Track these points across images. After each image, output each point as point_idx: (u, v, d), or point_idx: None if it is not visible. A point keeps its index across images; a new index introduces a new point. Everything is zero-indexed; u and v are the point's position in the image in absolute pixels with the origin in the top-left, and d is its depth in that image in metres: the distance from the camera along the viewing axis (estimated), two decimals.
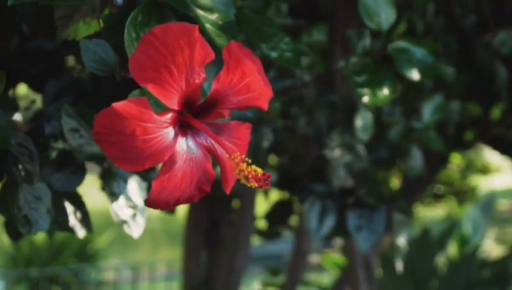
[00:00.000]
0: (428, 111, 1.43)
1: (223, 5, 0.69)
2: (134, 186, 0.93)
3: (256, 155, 1.15)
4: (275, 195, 1.84)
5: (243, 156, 0.56)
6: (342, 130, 1.30)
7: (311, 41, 1.22)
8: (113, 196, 0.91)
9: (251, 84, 0.59)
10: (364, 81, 0.95)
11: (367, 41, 1.01)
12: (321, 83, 1.35)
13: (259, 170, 0.56)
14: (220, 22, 0.68)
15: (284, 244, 4.05)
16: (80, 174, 0.93)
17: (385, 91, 0.95)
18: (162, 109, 0.57)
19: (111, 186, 0.91)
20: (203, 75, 0.57)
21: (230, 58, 0.58)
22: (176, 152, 0.58)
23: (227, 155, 0.59)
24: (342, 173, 1.33)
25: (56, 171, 0.91)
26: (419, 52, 0.99)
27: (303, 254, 2.23)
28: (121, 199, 0.91)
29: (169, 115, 0.57)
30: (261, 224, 2.03)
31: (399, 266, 1.81)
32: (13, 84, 1.01)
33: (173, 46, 0.54)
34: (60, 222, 0.92)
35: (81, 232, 0.94)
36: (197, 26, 0.55)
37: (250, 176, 0.55)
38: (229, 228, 2.17)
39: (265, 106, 0.61)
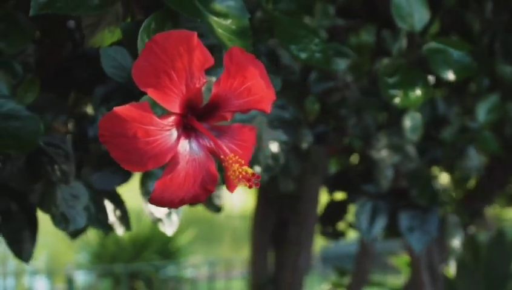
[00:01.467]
0: (482, 111, 1.40)
1: (237, 10, 0.72)
2: None
3: (294, 155, 1.17)
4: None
5: (237, 157, 0.58)
6: (389, 131, 1.29)
7: (359, 42, 1.22)
8: (149, 195, 0.94)
9: (252, 88, 0.61)
10: (396, 82, 0.95)
11: (403, 42, 1.00)
12: (369, 84, 1.35)
13: (250, 170, 0.58)
14: (234, 27, 0.71)
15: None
16: (120, 174, 0.97)
17: (418, 92, 0.94)
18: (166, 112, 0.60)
19: (147, 185, 0.95)
20: (203, 80, 0.59)
21: (231, 63, 0.60)
22: (178, 153, 0.60)
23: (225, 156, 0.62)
24: (390, 173, 1.33)
25: (96, 171, 0.96)
26: (455, 52, 0.98)
27: (368, 254, 2.22)
28: None
29: (172, 118, 0.60)
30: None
31: (452, 268, 1.77)
32: (67, 89, 1.07)
33: (172, 53, 0.57)
34: (100, 219, 0.97)
35: (120, 230, 0.98)
36: (195, 33, 0.58)
37: (240, 176, 0.57)
38: (295, 228, 2.18)
39: (267, 109, 0.63)
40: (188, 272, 5.17)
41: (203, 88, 0.60)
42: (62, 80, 1.06)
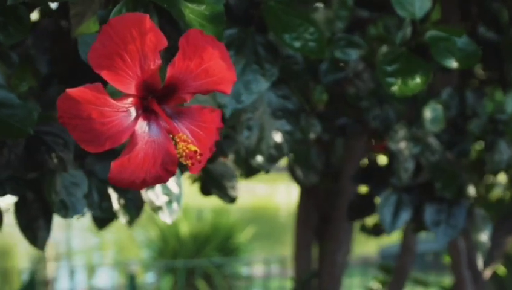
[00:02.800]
0: (511, 102, 1.36)
1: None
2: None
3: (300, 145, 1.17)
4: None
5: (184, 136, 0.59)
6: (409, 122, 1.28)
7: (379, 33, 1.21)
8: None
9: (210, 69, 0.62)
10: (395, 70, 0.94)
11: (407, 31, 0.99)
12: None
13: (193, 148, 0.59)
14: (207, 13, 0.71)
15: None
16: None
17: (417, 80, 0.93)
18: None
19: None
20: (158, 61, 0.60)
21: (188, 45, 0.61)
22: (137, 134, 0.62)
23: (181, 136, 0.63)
24: (410, 166, 1.30)
25: (100, 160, 0.98)
26: (460, 40, 0.96)
27: (410, 250, 2.18)
28: (158, 187, 0.97)
29: (129, 100, 0.61)
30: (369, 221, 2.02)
31: (480, 263, 1.72)
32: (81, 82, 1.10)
33: (125, 35, 0.59)
34: (103, 207, 0.99)
35: (124, 218, 1.01)
36: (147, 16, 0.59)
37: (184, 154, 0.58)
38: (334, 223, 2.17)
39: (227, 90, 0.64)
40: (246, 270, 5.20)
41: (159, 70, 0.61)
42: (77, 73, 1.09)
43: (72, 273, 5.24)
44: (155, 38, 0.60)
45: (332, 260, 2.12)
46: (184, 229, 5.40)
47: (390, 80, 0.93)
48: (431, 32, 0.96)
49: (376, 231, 2.03)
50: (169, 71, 0.62)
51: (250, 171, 1.38)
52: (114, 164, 0.61)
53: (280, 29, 0.90)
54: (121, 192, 1.01)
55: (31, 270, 5.53)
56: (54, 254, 6.87)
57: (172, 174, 0.65)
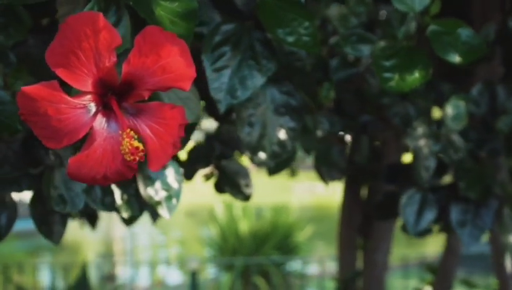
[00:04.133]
0: None
1: None
2: (171, 171, 0.99)
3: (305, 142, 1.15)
4: None
5: (131, 133, 0.60)
6: (428, 119, 1.24)
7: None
8: (149, 180, 0.98)
9: (167, 66, 0.62)
10: (393, 65, 0.92)
11: (411, 25, 0.97)
12: None
13: (136, 144, 0.59)
14: (180, 10, 0.72)
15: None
16: None
17: (416, 75, 0.90)
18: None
19: (147, 170, 0.98)
20: (113, 59, 0.61)
21: (145, 42, 0.62)
22: (95, 131, 0.63)
23: (151, 134, 0.64)
24: (431, 164, 1.27)
25: None
26: (464, 32, 0.93)
27: (454, 252, 2.13)
28: (158, 183, 0.98)
29: (87, 97, 0.62)
30: None
31: (508, 265, 1.66)
32: None
33: (79, 33, 0.60)
34: (106, 202, 1.01)
35: (126, 213, 1.02)
36: (101, 14, 0.60)
37: (127, 149, 0.59)
38: (376, 223, 2.14)
39: (185, 87, 0.64)
40: (303, 269, 5.19)
41: (116, 67, 0.62)
42: None
43: (137, 268, 5.35)
44: (109, 36, 0.60)
45: (372, 259, 2.09)
46: (244, 227, 5.43)
47: (387, 75, 0.91)
48: (432, 27, 0.93)
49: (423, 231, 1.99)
50: (124, 68, 0.62)
51: (275, 168, 1.38)
52: (71, 160, 0.62)
53: (273, 24, 0.90)
54: (124, 188, 1.02)
55: (96, 264, 5.70)
56: (121, 249, 7.05)
57: (134, 170, 0.65)
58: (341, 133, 1.36)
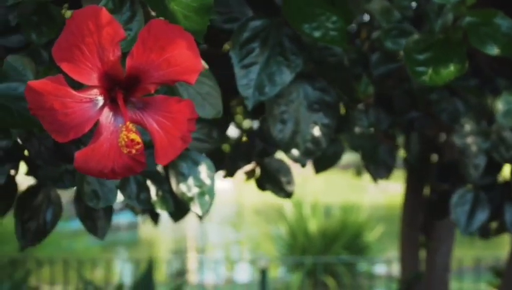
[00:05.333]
0: None
1: None
2: (204, 167, 0.99)
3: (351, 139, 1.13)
4: None
5: (131, 126, 0.60)
6: (478, 116, 1.19)
7: None
8: (182, 176, 0.98)
9: (172, 59, 0.62)
10: (427, 59, 0.89)
11: (448, 18, 0.93)
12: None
13: (132, 137, 0.59)
14: (195, 4, 0.71)
15: None
16: None
17: (451, 68, 0.87)
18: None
19: (180, 166, 0.99)
20: (118, 53, 0.61)
21: (149, 35, 0.62)
22: (102, 125, 0.63)
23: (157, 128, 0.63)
24: (481, 162, 1.22)
25: None
26: (505, 23, 0.89)
27: None
28: (191, 180, 0.98)
29: (93, 91, 0.63)
30: None
31: None
32: None
33: (82, 28, 0.60)
34: (141, 199, 1.02)
35: (159, 209, 1.02)
36: (103, 8, 0.60)
37: (123, 142, 0.59)
38: (437, 224, 2.09)
39: (191, 80, 0.63)
40: (373, 269, 5.12)
41: (120, 61, 0.62)
42: None
43: (208, 265, 5.41)
44: (112, 30, 0.61)
45: (433, 260, 2.04)
46: (313, 226, 5.40)
47: (420, 69, 0.88)
48: (469, 18, 0.89)
49: (483, 232, 1.92)
50: (128, 62, 0.62)
51: (320, 167, 1.36)
52: (77, 154, 0.63)
53: (300, 19, 0.88)
54: (159, 184, 1.03)
55: (170, 260, 5.80)
56: (194, 246, 7.15)
57: (143, 164, 0.65)
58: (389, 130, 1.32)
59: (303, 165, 1.02)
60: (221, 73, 0.90)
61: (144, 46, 0.62)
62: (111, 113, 0.64)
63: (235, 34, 0.93)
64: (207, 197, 0.98)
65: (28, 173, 1.11)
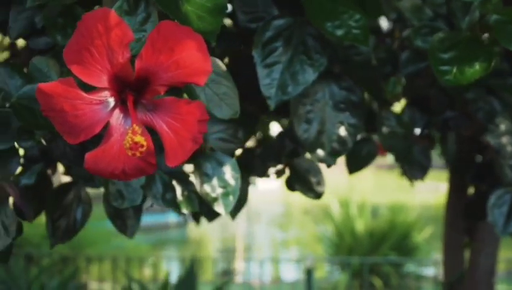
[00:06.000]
0: None
1: None
2: (229, 168, 0.99)
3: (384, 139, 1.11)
4: None
5: (137, 128, 0.60)
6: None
7: None
8: (206, 176, 0.98)
9: (181, 61, 0.62)
10: (451, 57, 0.86)
11: (475, 15, 0.91)
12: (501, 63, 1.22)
13: (137, 139, 0.59)
14: (209, 5, 0.71)
15: None
16: None
17: (476, 68, 0.85)
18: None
19: (204, 167, 0.99)
20: (127, 55, 0.62)
21: (158, 37, 0.62)
22: (112, 126, 0.64)
23: (167, 129, 0.64)
24: None
25: (161, 153, 1.01)
26: None
27: None
28: (215, 180, 0.98)
29: (104, 93, 0.63)
30: None
31: None
32: None
33: (91, 30, 0.61)
34: (167, 199, 1.02)
35: (185, 209, 1.03)
36: (112, 11, 0.61)
37: (128, 144, 0.59)
38: (480, 224, 2.05)
39: (200, 82, 0.63)
40: (421, 270, 5.04)
41: (129, 63, 0.62)
42: None
43: (255, 264, 5.43)
44: (121, 32, 0.61)
45: (476, 262, 2.00)
46: (360, 226, 5.35)
47: (444, 68, 0.86)
48: (496, 16, 0.86)
49: None
50: (137, 64, 0.62)
51: (353, 167, 1.35)
52: (88, 155, 0.64)
53: (322, 17, 0.87)
54: (184, 184, 1.03)
55: (220, 259, 5.83)
56: (242, 246, 7.18)
57: (154, 166, 0.65)
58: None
59: (329, 166, 1.01)
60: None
61: (153, 48, 0.62)
62: (121, 115, 0.64)
63: (258, 33, 0.93)
64: (231, 198, 0.97)
65: (65, 173, 1.13)
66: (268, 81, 0.92)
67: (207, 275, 5.56)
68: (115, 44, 0.61)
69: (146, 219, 6.68)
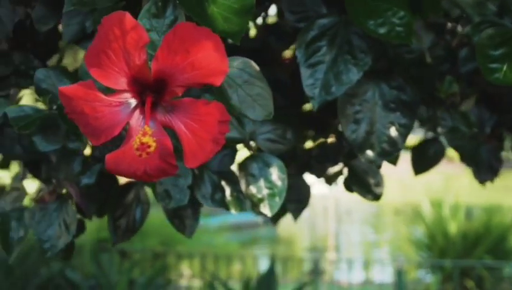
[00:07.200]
0: None
1: None
2: (275, 169, 0.98)
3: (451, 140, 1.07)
4: None
5: (147, 129, 0.60)
6: None
7: None
8: (252, 177, 0.97)
9: (196, 62, 0.62)
10: (502, 54, 0.82)
11: None
12: None
13: (145, 140, 0.59)
14: (236, 6, 0.71)
15: None
16: (231, 155, 1.03)
17: None
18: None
19: (251, 167, 0.98)
20: (143, 57, 0.62)
21: (174, 38, 0.62)
22: (131, 127, 0.64)
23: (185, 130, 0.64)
24: None
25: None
26: None
27: None
28: (261, 181, 0.97)
29: (123, 95, 0.64)
30: None
31: None
32: None
33: (108, 33, 0.61)
34: (216, 199, 1.02)
35: (233, 209, 1.03)
36: (127, 13, 0.61)
37: (136, 145, 0.59)
38: None
39: (217, 83, 0.63)
40: None
41: (146, 65, 0.62)
42: None
43: (347, 265, 5.39)
44: (136, 35, 0.61)
45: None
46: (453, 227, 5.19)
47: (494, 65, 0.81)
48: None
49: None
50: (153, 66, 0.63)
51: (420, 168, 1.31)
52: (108, 156, 0.64)
53: (364, 15, 0.85)
54: (234, 185, 1.03)
55: (312, 258, 5.83)
56: (332, 245, 7.13)
57: (175, 167, 0.65)
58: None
59: (378, 167, 0.98)
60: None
61: (169, 49, 0.62)
62: (141, 117, 0.65)
63: (301, 33, 0.91)
64: (277, 199, 0.96)
65: None
66: (311, 81, 0.90)
67: (295, 274, 5.56)
68: (131, 47, 0.61)
69: (236, 217, 6.76)
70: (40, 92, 0.89)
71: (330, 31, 0.91)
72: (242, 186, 0.98)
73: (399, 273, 4.52)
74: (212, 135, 0.65)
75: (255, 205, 0.97)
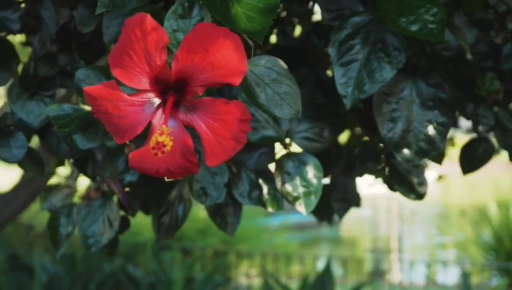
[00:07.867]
0: None
1: None
2: (311, 167, 0.98)
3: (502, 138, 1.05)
4: None
5: (164, 128, 0.61)
6: None
7: None
8: (288, 175, 0.98)
9: (215, 62, 0.63)
10: None
11: None
12: None
13: (160, 139, 0.60)
14: (261, 6, 0.71)
15: None
16: (268, 154, 1.03)
17: None
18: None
19: (287, 165, 0.98)
20: (164, 57, 0.63)
21: (194, 39, 0.63)
22: (154, 127, 0.66)
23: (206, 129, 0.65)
24: None
25: (248, 152, 1.03)
26: None
27: None
28: (297, 179, 0.97)
29: (146, 95, 0.66)
30: None
31: None
32: None
33: (130, 35, 0.63)
34: (253, 197, 1.03)
35: (270, 207, 1.03)
36: (148, 15, 0.63)
37: (152, 144, 0.60)
38: None
39: (236, 82, 0.63)
40: None
41: (167, 65, 0.64)
42: None
43: (411, 267, 5.31)
44: (157, 36, 0.63)
45: None
46: None
47: None
48: None
49: None
50: (174, 66, 0.64)
51: (469, 167, 1.29)
52: (131, 155, 0.66)
53: (396, 12, 0.84)
54: (271, 183, 1.04)
55: (373, 258, 5.77)
56: (396, 246, 7.03)
57: (197, 165, 0.66)
58: None
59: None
60: None
61: (189, 49, 0.63)
62: (163, 116, 0.66)
63: (334, 31, 0.91)
64: (313, 198, 0.96)
65: None
66: (344, 80, 0.90)
67: (357, 275, 5.51)
68: (152, 47, 0.63)
69: (298, 218, 6.75)
70: (80, 92, 0.92)
71: (364, 29, 0.91)
72: (278, 184, 0.98)
73: (465, 276, 4.42)
74: (233, 133, 0.65)
75: (290, 203, 0.97)
